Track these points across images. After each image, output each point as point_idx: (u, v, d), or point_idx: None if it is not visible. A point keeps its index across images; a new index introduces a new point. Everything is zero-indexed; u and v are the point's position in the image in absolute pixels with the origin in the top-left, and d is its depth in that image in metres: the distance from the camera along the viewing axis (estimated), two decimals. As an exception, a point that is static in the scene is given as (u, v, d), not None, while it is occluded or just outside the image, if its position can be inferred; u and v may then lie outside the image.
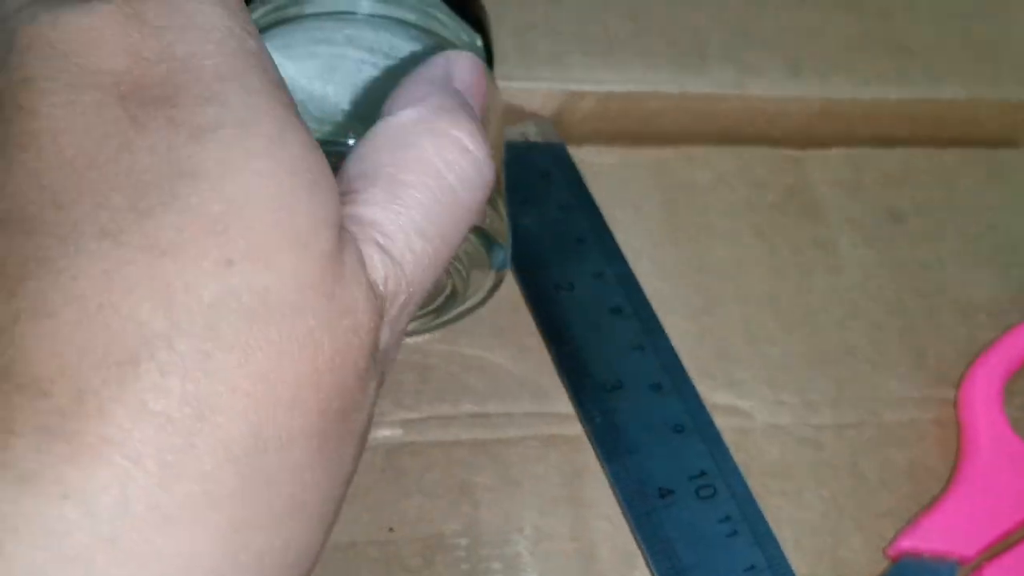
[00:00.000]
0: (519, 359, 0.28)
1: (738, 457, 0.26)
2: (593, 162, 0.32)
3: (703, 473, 0.25)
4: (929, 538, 0.25)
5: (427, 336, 0.27)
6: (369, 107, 0.21)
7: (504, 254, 0.24)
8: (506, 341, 0.28)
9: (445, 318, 0.26)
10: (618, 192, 0.31)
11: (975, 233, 0.32)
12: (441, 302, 0.25)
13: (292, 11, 0.22)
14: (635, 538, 0.25)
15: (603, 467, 0.25)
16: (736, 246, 0.31)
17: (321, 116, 0.21)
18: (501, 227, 0.23)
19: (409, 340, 0.27)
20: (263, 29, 0.22)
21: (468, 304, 0.26)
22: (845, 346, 0.29)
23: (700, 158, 0.33)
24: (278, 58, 0.21)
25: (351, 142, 0.21)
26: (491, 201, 0.23)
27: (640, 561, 0.24)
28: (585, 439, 0.26)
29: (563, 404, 0.27)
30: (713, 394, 0.28)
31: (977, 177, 0.34)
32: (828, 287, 0.30)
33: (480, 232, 0.22)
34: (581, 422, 0.26)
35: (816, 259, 0.31)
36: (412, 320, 0.26)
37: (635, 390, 0.26)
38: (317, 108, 0.21)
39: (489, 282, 0.25)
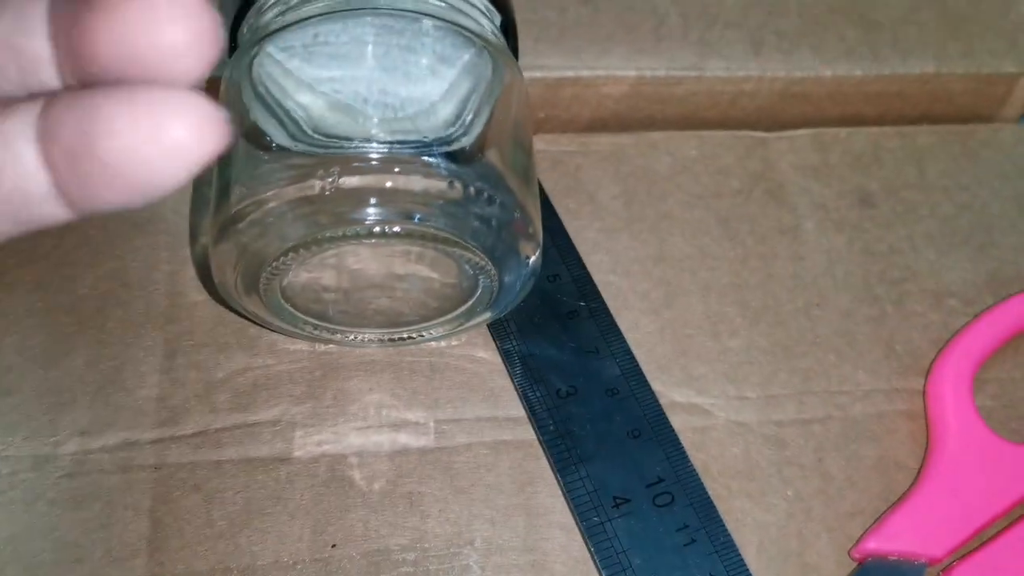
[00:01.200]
0: (470, 361, 0.26)
1: (698, 458, 0.25)
2: (546, 151, 0.30)
3: (660, 480, 0.24)
4: (896, 539, 0.24)
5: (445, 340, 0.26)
6: (410, 89, 0.21)
7: (536, 256, 0.23)
8: (456, 343, 0.27)
9: (473, 322, 0.25)
10: (572, 183, 0.30)
11: (947, 214, 0.31)
12: (470, 305, 0.24)
13: (307, 9, 0.21)
14: (588, 549, 0.23)
15: (556, 477, 0.24)
16: (698, 236, 0.30)
17: (379, 112, 0.21)
18: (534, 229, 0.22)
19: (430, 344, 0.26)
20: (279, 30, 0.21)
21: (498, 308, 0.24)
22: (811, 336, 0.28)
23: (660, 144, 0.32)
24: (299, 60, 0.20)
25: (432, 159, 0.20)
26: (522, 202, 0.21)
27: (595, 572, 0.23)
28: (538, 444, 0.25)
29: (515, 407, 0.26)
30: (672, 391, 0.26)
31: (950, 155, 0.32)
32: (793, 275, 0.29)
33: (511, 233, 0.21)
34: (533, 428, 0.25)
35: (781, 246, 0.30)
36: (439, 324, 0.26)
37: (590, 396, 0.25)
38: (370, 102, 0.21)
39: (519, 285, 0.23)
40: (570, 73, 0.30)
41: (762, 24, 0.32)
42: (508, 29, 0.25)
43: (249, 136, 0.21)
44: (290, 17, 0.22)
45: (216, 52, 0.12)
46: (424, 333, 0.25)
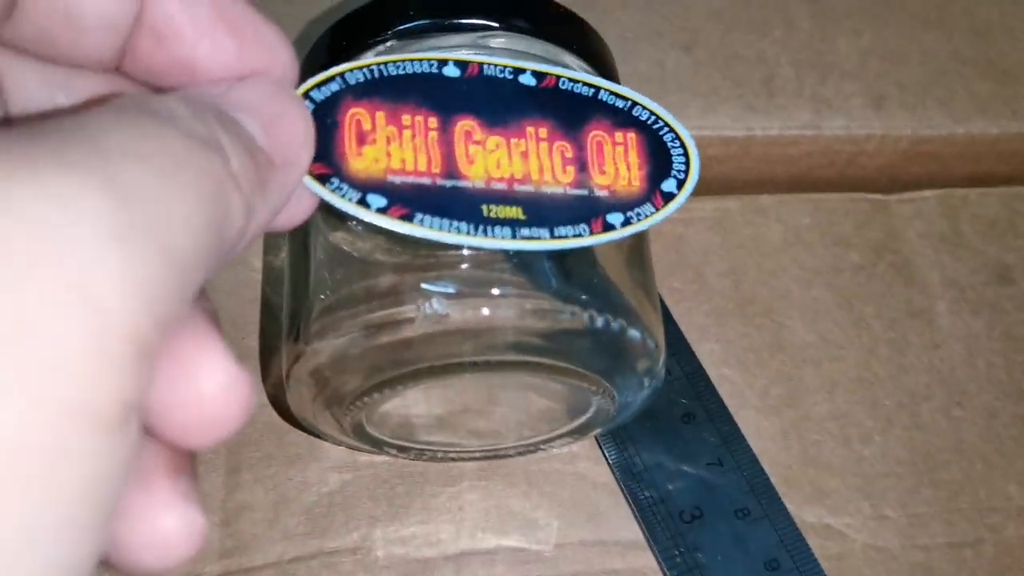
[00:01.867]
0: (573, 474, 0.23)
1: (837, 591, 0.22)
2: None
3: (801, 621, 0.21)
4: None
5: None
6: None
7: (659, 371, 0.19)
8: (556, 454, 0.23)
9: (582, 438, 0.22)
10: (675, 257, 0.27)
11: (1096, 292, 0.27)
12: (581, 424, 0.21)
13: None
14: None
15: (681, 623, 0.21)
16: (818, 319, 0.26)
17: None
18: (655, 343, 0.19)
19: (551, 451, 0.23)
20: None
21: (612, 425, 0.21)
22: (954, 442, 0.25)
23: (769, 210, 0.28)
24: None
25: (540, 273, 0.17)
26: (642, 319, 0.18)
27: None
28: (656, 571, 0.22)
29: (626, 528, 0.23)
30: (801, 510, 0.23)
31: (1093, 221, 0.29)
32: (929, 367, 0.26)
33: (629, 353, 0.18)
34: (654, 555, 0.22)
35: (913, 332, 0.26)
36: (544, 442, 0.23)
37: (718, 518, 0.22)
38: None
39: (639, 402, 0.20)
40: (673, 134, 0.27)
41: (882, 74, 0.29)
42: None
43: (327, 234, 0.18)
44: None
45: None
46: (524, 452, 0.22)
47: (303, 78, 0.20)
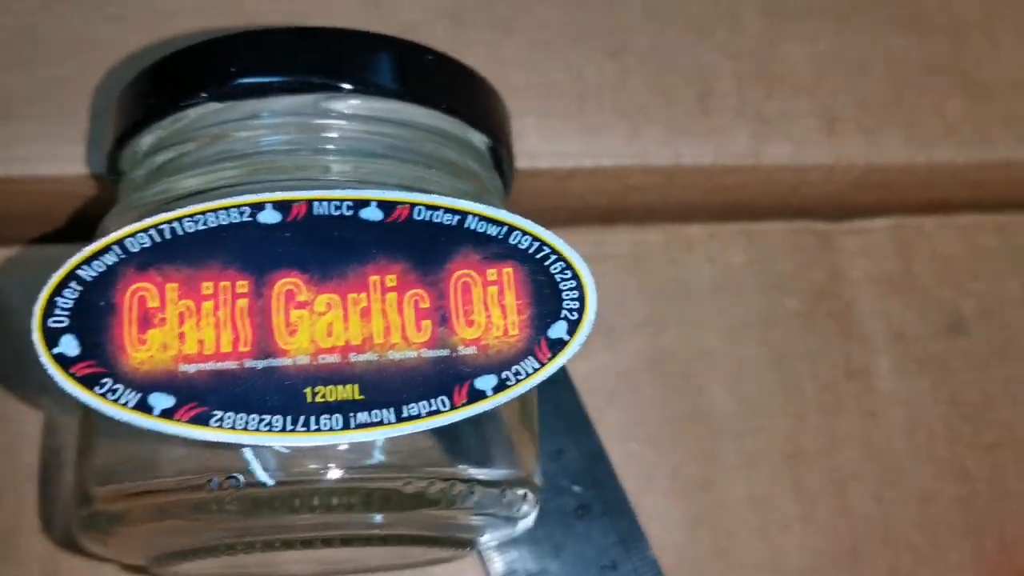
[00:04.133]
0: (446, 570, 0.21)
1: None
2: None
3: None
4: None
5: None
6: None
7: (533, 505, 0.16)
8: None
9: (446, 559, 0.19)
10: (588, 305, 0.23)
11: (1058, 348, 0.25)
12: (442, 556, 0.19)
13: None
14: None
15: None
16: (744, 382, 0.23)
17: None
18: (534, 485, 0.16)
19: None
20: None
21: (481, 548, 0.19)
22: (882, 531, 0.22)
23: (697, 244, 0.25)
24: None
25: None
26: (526, 471, 0.16)
27: None
28: None
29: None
30: (707, 615, 0.21)
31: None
32: (862, 440, 0.23)
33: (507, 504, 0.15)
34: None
35: (849, 396, 0.23)
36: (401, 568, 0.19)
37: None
38: None
39: (513, 529, 0.17)
40: (588, 163, 0.23)
41: (838, 90, 0.25)
42: (498, 158, 0.18)
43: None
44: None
45: None
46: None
47: (116, 142, 0.16)
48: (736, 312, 0.24)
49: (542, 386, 0.15)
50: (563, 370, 0.22)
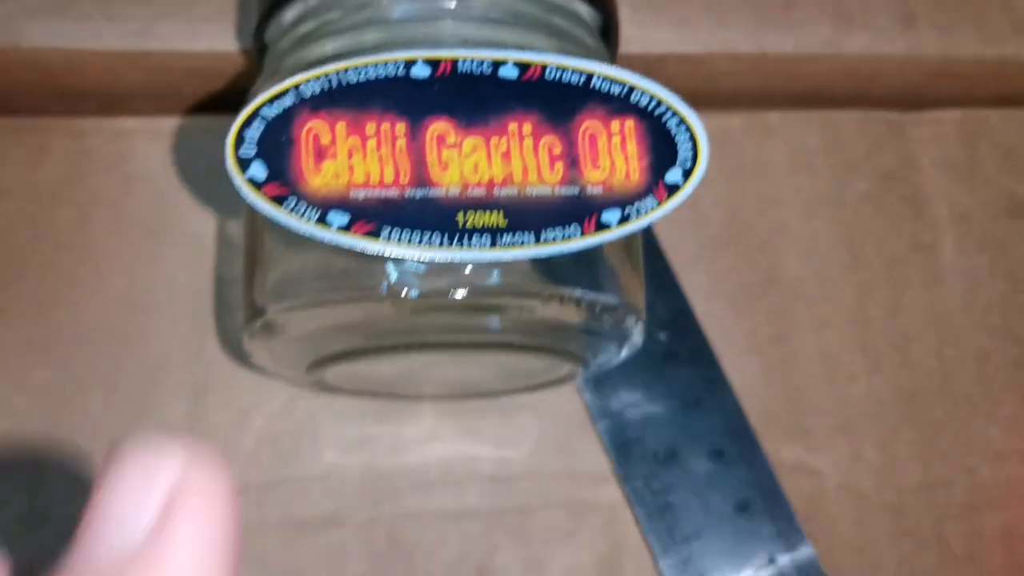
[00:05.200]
0: (545, 405, 0.23)
1: (806, 529, 0.22)
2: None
3: (772, 561, 0.21)
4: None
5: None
6: None
7: (639, 332, 0.19)
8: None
9: (563, 385, 0.22)
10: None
11: (1111, 231, 0.26)
12: (553, 379, 0.21)
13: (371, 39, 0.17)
14: (681, 639, 0.21)
15: (654, 562, 0.22)
16: (816, 254, 0.25)
17: None
18: (637, 313, 0.18)
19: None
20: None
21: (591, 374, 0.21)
22: (940, 383, 0.24)
23: (776, 129, 0.27)
24: None
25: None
26: (628, 296, 0.18)
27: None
28: (623, 505, 0.23)
29: (597, 460, 0.23)
30: (780, 450, 0.23)
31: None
32: (925, 307, 0.25)
33: (611, 327, 0.18)
34: (623, 491, 0.23)
35: (914, 270, 0.26)
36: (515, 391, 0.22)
37: (692, 459, 0.22)
38: None
39: (619, 356, 0.20)
40: (677, 49, 0.25)
41: (914, -15, 0.26)
42: (608, 30, 0.20)
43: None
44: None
45: None
46: (495, 397, 0.22)
47: (257, 29, 0.18)
48: (810, 192, 0.26)
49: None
50: (653, 236, 0.25)
